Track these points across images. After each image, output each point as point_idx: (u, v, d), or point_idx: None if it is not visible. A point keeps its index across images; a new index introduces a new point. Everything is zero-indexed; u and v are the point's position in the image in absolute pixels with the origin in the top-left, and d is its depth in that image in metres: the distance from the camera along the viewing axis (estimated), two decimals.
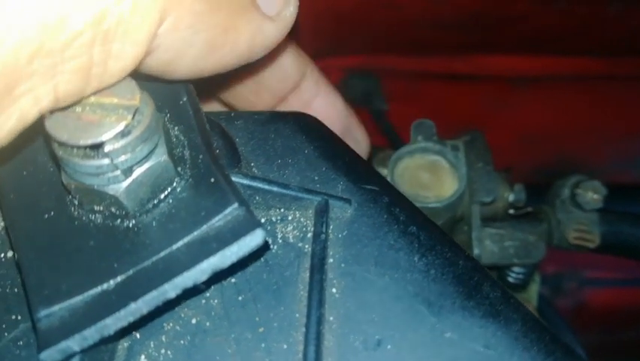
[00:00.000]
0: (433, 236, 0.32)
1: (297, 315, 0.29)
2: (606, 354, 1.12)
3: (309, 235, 0.31)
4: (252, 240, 0.26)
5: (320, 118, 0.39)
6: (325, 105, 0.46)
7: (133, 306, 0.25)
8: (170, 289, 0.25)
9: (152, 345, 0.28)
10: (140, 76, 0.28)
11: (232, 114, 0.38)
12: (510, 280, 0.54)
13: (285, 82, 0.45)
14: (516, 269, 0.53)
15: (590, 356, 0.85)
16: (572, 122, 0.95)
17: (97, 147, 0.26)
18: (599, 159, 1.01)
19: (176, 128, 0.31)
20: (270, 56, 0.42)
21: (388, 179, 0.51)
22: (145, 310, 0.25)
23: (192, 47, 0.28)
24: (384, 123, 0.93)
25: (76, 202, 0.29)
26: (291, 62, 0.44)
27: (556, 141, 0.98)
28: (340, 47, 0.90)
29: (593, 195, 0.52)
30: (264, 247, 0.28)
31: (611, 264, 1.06)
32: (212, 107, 0.49)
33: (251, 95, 0.46)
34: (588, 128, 0.96)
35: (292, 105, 0.46)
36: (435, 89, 0.94)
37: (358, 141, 0.50)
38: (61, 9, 0.22)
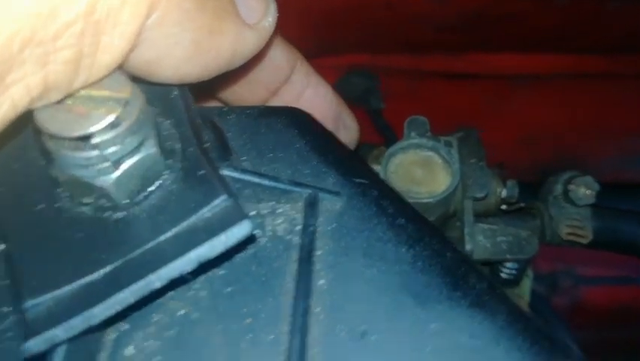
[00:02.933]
0: (421, 228, 0.32)
1: (284, 306, 0.29)
2: (602, 352, 1.12)
3: (299, 227, 0.32)
4: (239, 231, 0.26)
5: (312, 108, 0.40)
6: (316, 96, 0.47)
7: (119, 296, 0.25)
8: (156, 279, 0.26)
9: (140, 336, 0.29)
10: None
11: (225, 109, 0.38)
12: (503, 275, 0.54)
13: (277, 75, 0.45)
14: (509, 265, 0.53)
15: (586, 354, 0.85)
16: (571, 120, 0.95)
17: (86, 139, 0.26)
18: (598, 156, 1.01)
19: (167, 121, 0.31)
20: (263, 51, 0.43)
21: (382, 175, 0.51)
22: (132, 300, 0.26)
23: (178, 46, 0.28)
24: (380, 121, 0.93)
25: (66, 195, 0.29)
26: (281, 56, 0.45)
27: (556, 138, 0.98)
28: (339, 46, 0.91)
29: (585, 190, 0.52)
30: (251, 239, 0.28)
31: (606, 262, 1.06)
32: (208, 104, 0.50)
33: (245, 91, 0.46)
34: (587, 126, 0.96)
35: (284, 98, 0.47)
36: (434, 87, 0.94)
37: (349, 127, 0.51)
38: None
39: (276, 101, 0.48)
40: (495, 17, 0.71)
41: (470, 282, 0.30)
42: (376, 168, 0.53)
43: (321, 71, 0.97)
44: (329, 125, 0.51)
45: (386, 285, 0.29)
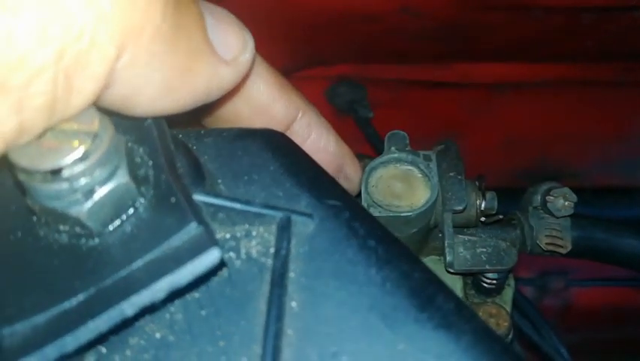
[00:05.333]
0: (391, 249, 0.33)
1: (257, 329, 0.30)
2: (593, 354, 1.13)
3: (272, 250, 0.32)
4: (208, 258, 0.27)
5: None
6: (316, 150, 0.47)
7: (91, 324, 0.26)
8: (128, 307, 0.26)
9: (117, 359, 0.29)
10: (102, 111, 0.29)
11: (202, 132, 0.39)
12: (484, 285, 0.55)
13: (271, 127, 0.45)
14: (489, 275, 0.54)
15: (577, 356, 0.86)
16: (554, 126, 0.96)
17: (56, 173, 0.27)
18: (582, 162, 1.02)
19: (140, 149, 0.32)
20: (259, 107, 0.43)
21: (362, 189, 0.52)
22: (104, 328, 0.26)
23: (149, 85, 0.29)
24: (369, 131, 0.94)
25: (42, 222, 0.30)
26: (279, 110, 0.44)
27: (540, 145, 0.99)
28: (326, 57, 0.91)
29: (564, 202, 0.53)
30: (221, 265, 0.29)
31: (596, 263, 1.07)
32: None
33: None
34: (570, 133, 0.97)
35: None
36: (419, 96, 0.95)
37: (350, 178, 0.51)
38: (22, 48, 0.24)
39: None
40: (473, 29, 0.72)
41: (437, 302, 0.30)
42: None
43: (311, 81, 0.98)
44: None
45: (356, 307, 0.30)
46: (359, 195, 0.52)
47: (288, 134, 0.45)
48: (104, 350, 0.30)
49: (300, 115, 0.46)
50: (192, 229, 0.28)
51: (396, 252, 0.32)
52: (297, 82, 0.87)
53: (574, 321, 1.11)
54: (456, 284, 0.56)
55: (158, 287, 0.27)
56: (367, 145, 0.95)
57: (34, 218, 0.30)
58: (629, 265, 0.55)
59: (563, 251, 0.53)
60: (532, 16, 0.68)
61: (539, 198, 0.54)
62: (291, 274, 0.32)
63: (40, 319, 0.27)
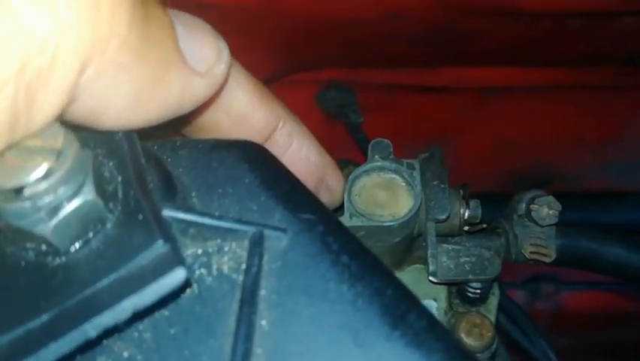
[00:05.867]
0: (364, 265, 0.32)
1: (226, 348, 0.29)
2: (583, 356, 1.13)
3: (244, 266, 0.32)
4: (173, 279, 0.27)
5: (292, 170, 0.39)
6: (297, 160, 0.46)
7: (53, 346, 0.26)
8: (91, 328, 0.26)
9: None
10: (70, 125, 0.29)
11: (177, 143, 0.39)
12: (469, 294, 0.55)
13: (252, 137, 0.43)
14: (473, 284, 0.54)
15: (568, 359, 0.86)
16: (546, 130, 0.96)
17: (18, 191, 0.26)
18: (575, 165, 1.02)
19: (110, 163, 0.32)
20: (238, 116, 0.43)
21: (345, 197, 0.51)
22: (66, 350, 0.26)
23: (118, 98, 0.28)
24: (359, 136, 0.94)
25: (9, 240, 0.30)
26: (259, 118, 0.44)
27: (532, 149, 0.99)
28: (315, 61, 0.91)
29: (548, 210, 0.52)
30: (187, 284, 0.29)
31: None
32: None
33: None
34: (562, 136, 0.97)
35: None
36: (409, 100, 0.95)
37: (332, 189, 0.50)
38: None
39: None
40: (461, 34, 0.72)
41: (409, 320, 0.30)
42: None
43: (300, 86, 0.98)
44: (310, 186, 0.48)
45: (327, 325, 0.30)
46: (342, 205, 0.52)
47: (269, 144, 0.45)
48: None
49: (281, 124, 0.45)
50: (159, 247, 0.28)
51: (369, 268, 0.32)
52: (287, 86, 0.87)
53: (565, 325, 1.11)
54: (440, 293, 0.56)
55: (122, 308, 0.26)
56: (357, 150, 0.94)
57: (1, 236, 0.30)
58: (614, 273, 0.55)
59: (547, 260, 0.53)
60: (520, 21, 0.68)
61: (524, 206, 0.54)
62: (262, 292, 0.31)
63: (3, 340, 0.27)
